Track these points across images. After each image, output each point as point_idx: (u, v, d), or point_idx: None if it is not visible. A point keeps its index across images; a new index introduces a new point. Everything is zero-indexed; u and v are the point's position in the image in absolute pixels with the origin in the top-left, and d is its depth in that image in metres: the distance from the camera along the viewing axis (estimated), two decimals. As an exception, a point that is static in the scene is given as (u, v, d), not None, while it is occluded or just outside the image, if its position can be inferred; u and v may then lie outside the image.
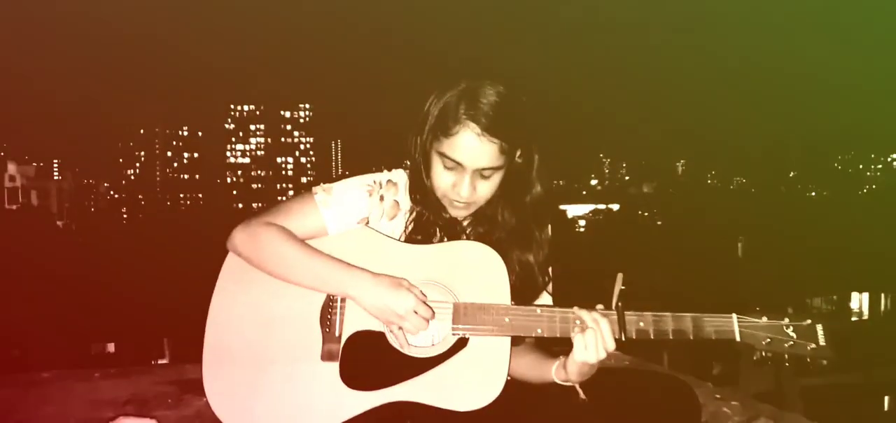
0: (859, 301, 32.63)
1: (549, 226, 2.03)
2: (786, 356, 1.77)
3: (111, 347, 25.35)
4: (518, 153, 1.90)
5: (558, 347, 1.87)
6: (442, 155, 1.84)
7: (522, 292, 1.91)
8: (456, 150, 1.81)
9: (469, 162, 1.81)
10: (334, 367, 1.82)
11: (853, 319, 31.60)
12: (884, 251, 32.84)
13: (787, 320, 1.79)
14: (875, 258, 32.05)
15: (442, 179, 1.87)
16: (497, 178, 1.87)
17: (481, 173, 1.84)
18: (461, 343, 1.81)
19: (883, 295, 32.39)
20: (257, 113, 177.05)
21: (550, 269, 2.03)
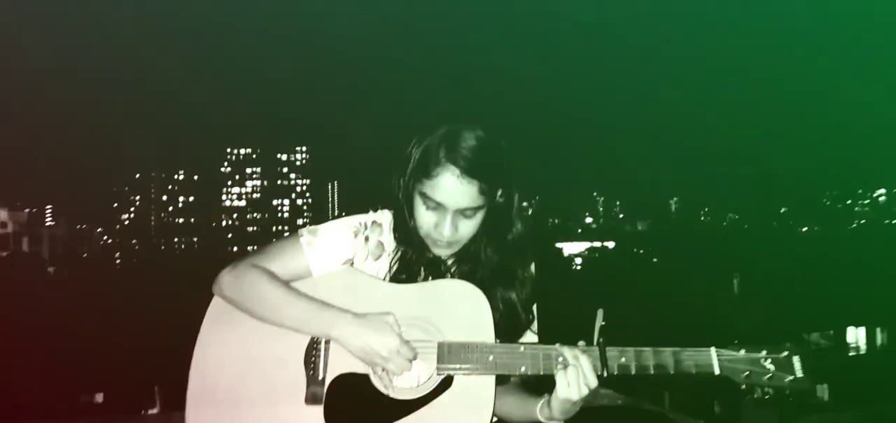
0: (856, 336, 32.59)
1: (533, 264, 2.05)
2: (765, 388, 1.78)
3: (100, 397, 25.00)
4: (499, 193, 1.93)
5: (543, 386, 1.87)
6: (424, 196, 1.87)
7: (507, 330, 1.93)
8: (437, 191, 1.84)
9: (450, 203, 1.84)
10: (318, 411, 1.81)
11: (851, 354, 31.52)
12: (878, 285, 32.94)
13: (764, 353, 1.80)
14: (870, 293, 32.14)
15: (425, 219, 1.89)
16: (479, 217, 1.90)
17: (463, 213, 1.86)
18: (446, 383, 1.81)
19: (878, 330, 32.38)
20: (254, 156, 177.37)
21: (535, 307, 2.05)
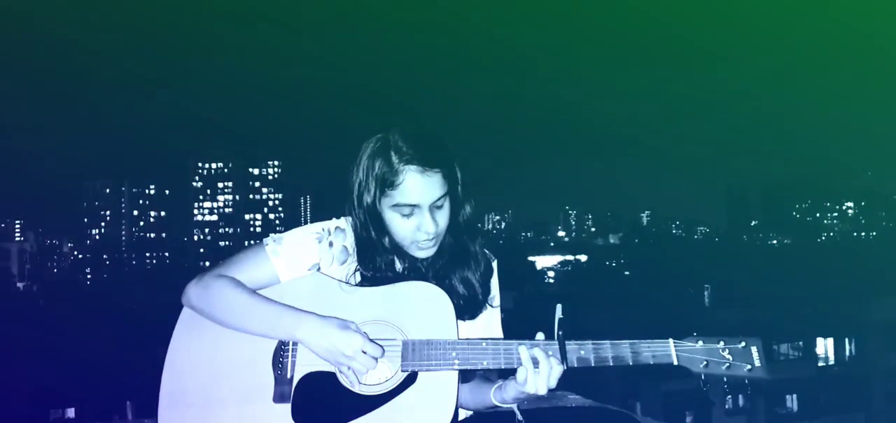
0: (825, 348, 33.02)
1: (495, 260, 2.11)
2: (724, 378, 1.82)
3: (71, 412, 24.67)
4: (458, 175, 1.99)
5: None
6: (397, 207, 1.90)
7: (468, 308, 2.00)
8: (407, 195, 1.88)
9: (423, 200, 1.89)
10: (286, 408, 1.84)
11: (820, 365, 31.91)
12: (846, 298, 33.47)
13: (722, 344, 1.84)
14: (838, 305, 32.61)
15: (404, 228, 1.92)
16: (448, 204, 1.95)
17: (436, 205, 1.91)
18: (410, 379, 1.85)
19: (847, 341, 32.84)
20: (225, 170, 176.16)
21: (495, 278, 2.11)
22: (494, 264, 2.11)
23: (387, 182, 1.88)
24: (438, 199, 1.90)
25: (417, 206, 1.88)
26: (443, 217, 1.93)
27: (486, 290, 2.06)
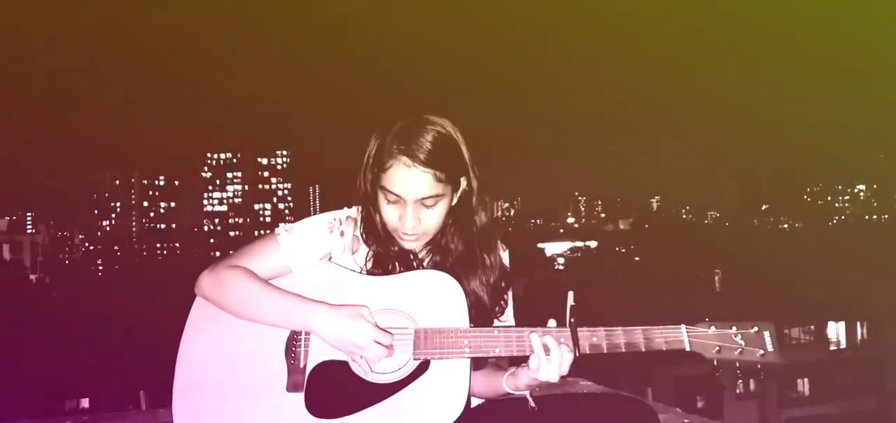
0: (836, 331, 32.91)
1: (506, 251, 2.11)
2: (737, 363, 1.82)
3: (86, 402, 24.89)
4: (463, 182, 1.98)
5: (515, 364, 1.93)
6: (383, 190, 1.92)
7: (477, 317, 1.98)
8: (393, 183, 1.89)
9: (407, 194, 1.89)
10: (299, 397, 1.85)
11: (832, 348, 31.81)
12: (857, 281, 33.35)
13: (734, 329, 1.84)
14: (850, 288, 32.49)
15: (388, 213, 1.94)
16: (441, 207, 1.94)
17: (423, 203, 1.91)
18: (423, 367, 1.85)
19: (858, 324, 32.72)
20: (234, 161, 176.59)
21: (510, 292, 2.10)
22: (506, 254, 2.11)
23: (379, 164, 1.90)
24: (427, 198, 1.89)
25: (401, 197, 1.89)
26: (431, 218, 1.93)
27: (497, 303, 2.06)
